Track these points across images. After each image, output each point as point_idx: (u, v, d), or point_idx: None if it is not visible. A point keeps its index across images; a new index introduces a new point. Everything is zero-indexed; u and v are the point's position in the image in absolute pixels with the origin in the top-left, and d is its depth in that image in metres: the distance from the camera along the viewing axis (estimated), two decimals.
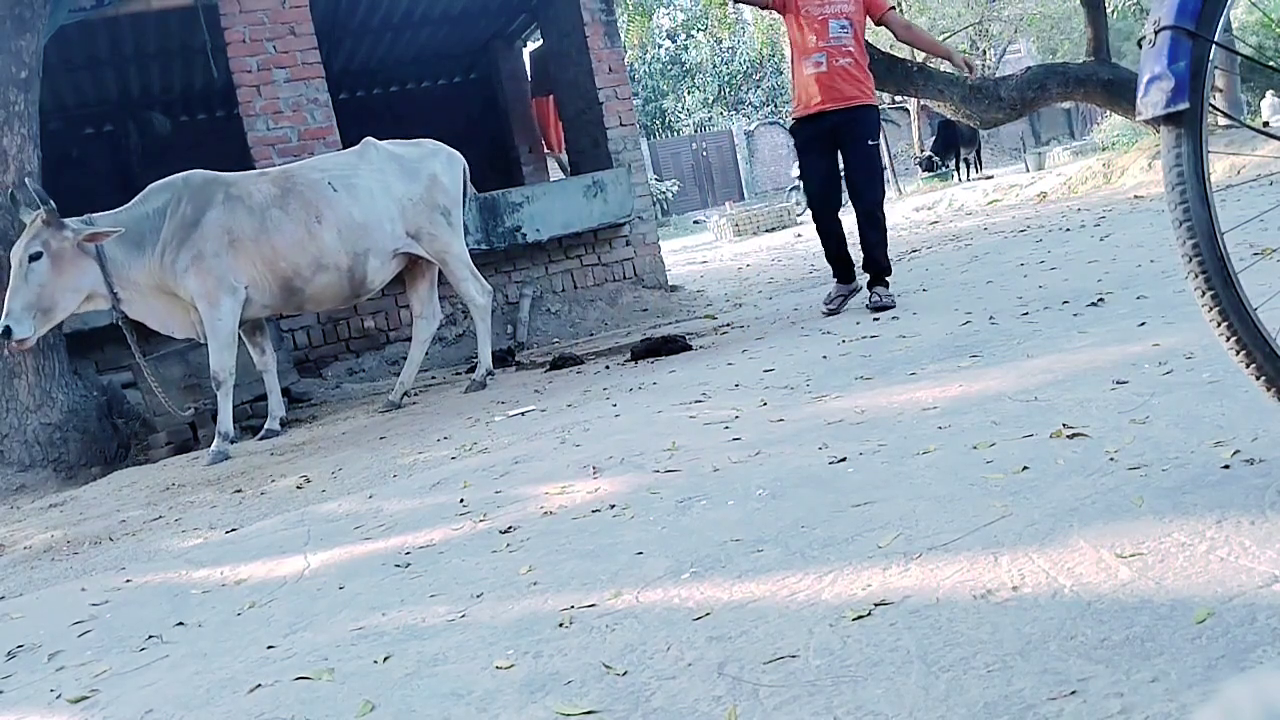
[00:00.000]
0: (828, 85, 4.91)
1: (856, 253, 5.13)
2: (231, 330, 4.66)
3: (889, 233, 5.22)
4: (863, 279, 5.14)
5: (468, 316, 6.99)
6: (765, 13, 5.29)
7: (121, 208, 4.61)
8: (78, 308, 4.47)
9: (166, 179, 4.74)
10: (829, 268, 5.23)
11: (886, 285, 5.00)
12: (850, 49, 4.93)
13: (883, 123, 5.47)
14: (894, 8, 5.21)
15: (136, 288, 4.55)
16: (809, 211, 5.24)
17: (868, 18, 5.08)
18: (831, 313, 4.94)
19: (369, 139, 5.18)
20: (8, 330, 4.19)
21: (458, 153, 5.37)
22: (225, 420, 4.56)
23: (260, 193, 4.76)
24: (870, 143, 4.98)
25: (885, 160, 20.64)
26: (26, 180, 4.50)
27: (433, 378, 6.05)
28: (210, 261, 4.56)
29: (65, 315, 4.44)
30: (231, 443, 4.56)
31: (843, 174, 5.13)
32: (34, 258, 4.26)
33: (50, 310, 4.33)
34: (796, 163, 18.29)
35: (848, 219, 5.10)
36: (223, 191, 4.69)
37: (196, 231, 4.57)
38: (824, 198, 5.08)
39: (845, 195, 5.34)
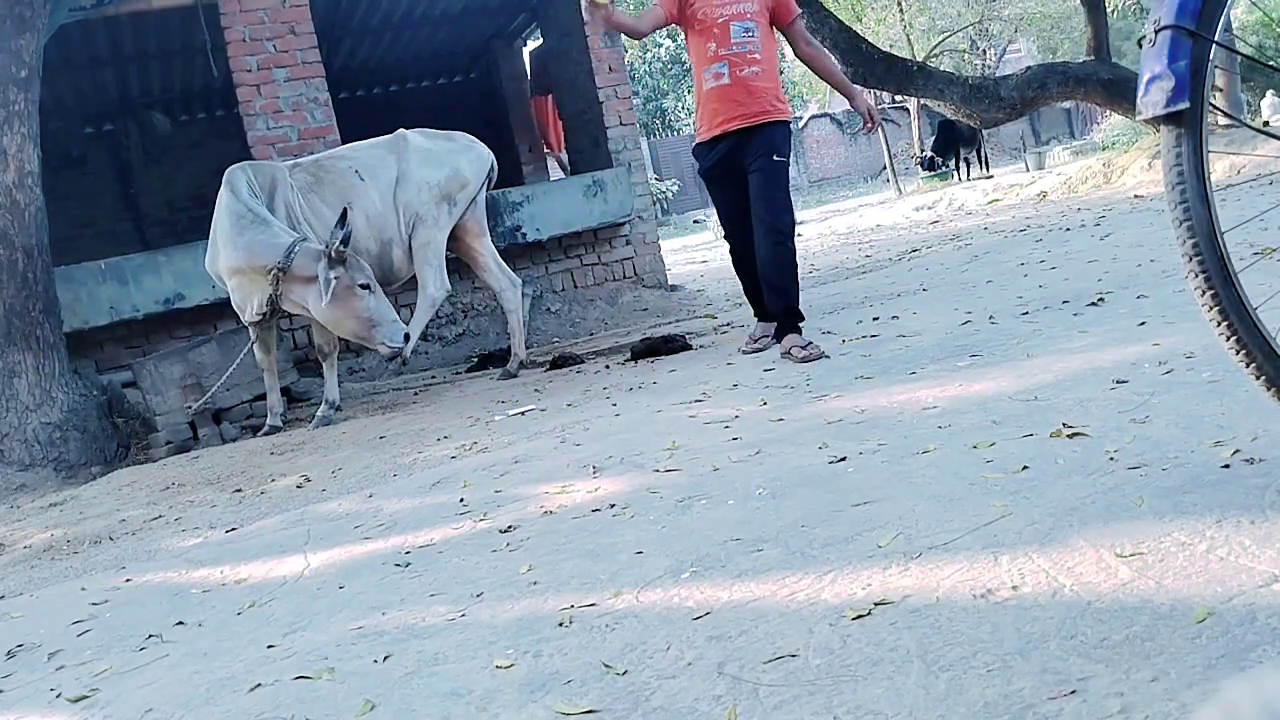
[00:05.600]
0: (732, 100, 4.17)
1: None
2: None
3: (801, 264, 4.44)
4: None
5: (468, 316, 6.99)
6: (667, 28, 4.45)
7: (237, 201, 4.67)
8: None
9: (233, 168, 4.82)
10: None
11: (800, 330, 4.11)
12: (757, 56, 4.18)
13: (795, 141, 4.95)
14: (802, 16, 4.55)
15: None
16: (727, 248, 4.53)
17: (774, 28, 4.35)
18: (758, 350, 4.29)
19: (401, 131, 5.26)
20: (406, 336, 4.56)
21: (487, 151, 5.45)
22: (332, 390, 4.92)
23: (299, 180, 4.94)
24: (777, 158, 4.16)
25: (886, 160, 20.64)
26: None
27: (433, 376, 6.05)
28: None
29: None
30: (337, 410, 4.90)
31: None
32: None
33: None
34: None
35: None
36: (276, 175, 4.89)
37: (273, 213, 4.73)
38: (744, 234, 4.33)
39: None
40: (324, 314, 4.53)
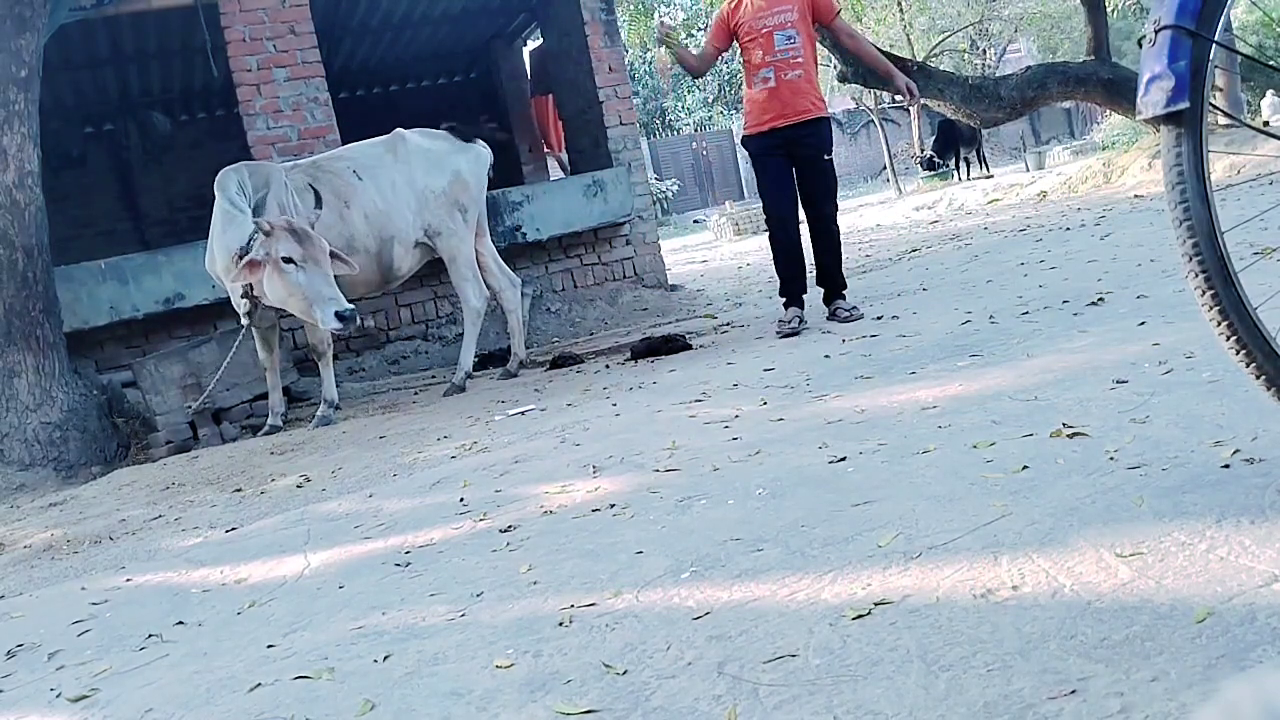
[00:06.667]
0: (779, 101, 4.73)
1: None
2: None
3: (844, 250, 5.02)
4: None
5: None
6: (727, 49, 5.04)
7: (225, 200, 4.64)
8: None
9: (225, 170, 4.80)
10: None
11: (845, 296, 4.91)
12: (799, 60, 4.73)
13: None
14: (841, 12, 5.03)
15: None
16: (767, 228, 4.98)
17: (815, 25, 4.88)
18: (791, 333, 4.62)
19: (399, 130, 5.27)
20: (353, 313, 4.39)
21: (486, 149, 5.47)
22: (330, 389, 4.90)
23: (296, 180, 4.94)
24: (826, 157, 4.82)
25: (886, 159, 20.64)
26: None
27: (433, 377, 6.05)
28: None
29: None
30: (336, 409, 4.89)
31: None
32: None
33: None
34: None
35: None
36: (271, 175, 4.88)
37: (264, 211, 4.70)
38: (782, 212, 4.83)
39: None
40: (269, 293, 4.46)
